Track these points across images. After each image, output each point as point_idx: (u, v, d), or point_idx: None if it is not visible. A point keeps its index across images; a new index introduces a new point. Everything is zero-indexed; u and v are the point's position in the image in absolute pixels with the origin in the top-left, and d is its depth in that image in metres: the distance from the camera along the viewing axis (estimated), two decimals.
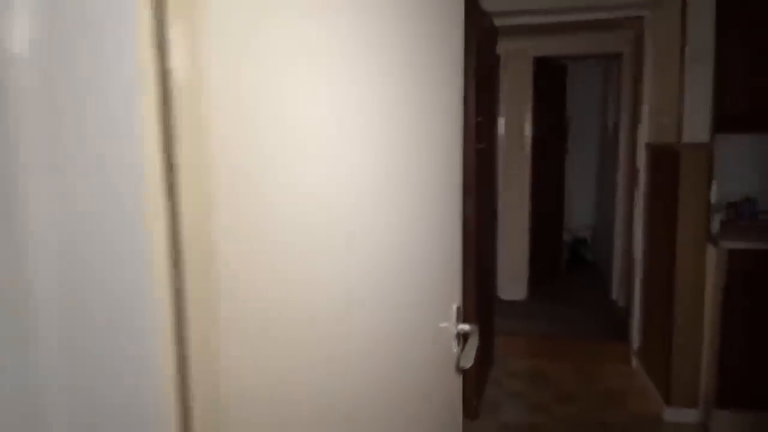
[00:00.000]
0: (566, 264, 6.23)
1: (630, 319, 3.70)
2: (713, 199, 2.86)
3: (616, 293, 5.10)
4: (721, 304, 2.73)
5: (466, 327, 1.16)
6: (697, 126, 2.82)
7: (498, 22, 3.51)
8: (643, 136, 3.55)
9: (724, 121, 2.85)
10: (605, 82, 5.99)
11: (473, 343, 1.14)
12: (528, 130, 5.10)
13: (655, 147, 3.33)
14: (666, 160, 3.10)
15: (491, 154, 3.43)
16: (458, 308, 1.19)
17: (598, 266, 6.24)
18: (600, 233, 6.23)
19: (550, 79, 5.36)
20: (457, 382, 1.23)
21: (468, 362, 1.14)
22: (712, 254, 2.85)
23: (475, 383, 3.04)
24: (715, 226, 2.91)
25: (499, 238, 5.23)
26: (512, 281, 5.26)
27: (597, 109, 6.35)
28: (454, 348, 1.16)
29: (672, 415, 2.95)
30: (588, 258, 6.55)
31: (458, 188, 1.27)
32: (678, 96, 2.87)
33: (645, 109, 3.53)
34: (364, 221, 0.76)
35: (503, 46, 5.03)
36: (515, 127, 5.12)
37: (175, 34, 0.41)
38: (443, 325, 1.11)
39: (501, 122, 5.14)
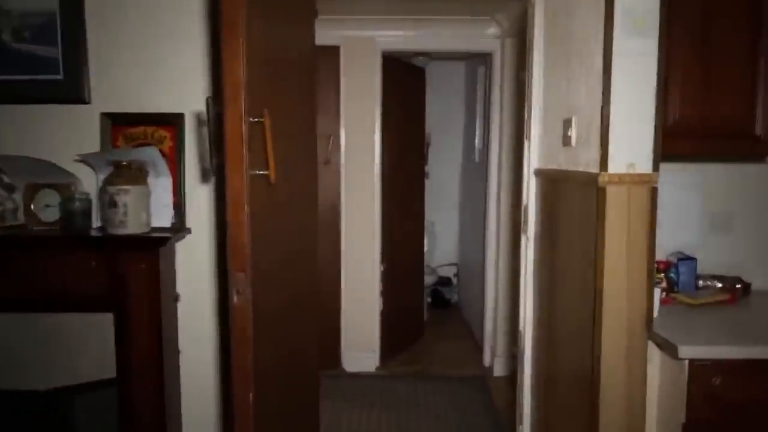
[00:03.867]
0: (428, 307, 5.08)
1: (519, 425, 2.52)
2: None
3: (489, 358, 3.99)
4: None
5: None
6: (634, 146, 1.67)
7: None
8: (532, 158, 2.40)
9: (670, 141, 1.75)
10: (471, 89, 4.96)
11: None
12: (377, 145, 3.85)
13: (555, 176, 2.18)
14: (574, 199, 1.95)
15: (296, 183, 2.04)
16: None
17: (462, 312, 5.16)
18: (466, 275, 5.16)
19: (404, 83, 4.18)
20: None
21: None
22: (655, 358, 1.72)
23: None
24: (655, 307, 1.79)
25: (343, 289, 3.90)
26: (359, 347, 3.95)
27: (462, 122, 5.32)
28: None
29: None
30: (452, 300, 5.47)
31: None
32: (602, 99, 1.71)
33: (534, 120, 2.39)
34: None
35: (341, 35, 3.76)
36: (360, 142, 3.84)
37: None
38: None
39: (341, 135, 3.83)
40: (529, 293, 2.44)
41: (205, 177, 1.58)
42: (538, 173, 2.36)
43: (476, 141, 4.58)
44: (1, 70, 1.81)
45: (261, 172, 1.50)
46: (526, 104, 2.47)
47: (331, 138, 3.78)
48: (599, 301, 1.71)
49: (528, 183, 2.43)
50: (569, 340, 2.00)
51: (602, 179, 1.69)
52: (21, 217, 1.83)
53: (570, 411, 1.99)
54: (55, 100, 1.84)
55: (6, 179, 1.80)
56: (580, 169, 1.88)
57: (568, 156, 2.02)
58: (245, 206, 1.45)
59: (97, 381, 1.81)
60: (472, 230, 4.77)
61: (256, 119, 1.45)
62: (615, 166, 1.68)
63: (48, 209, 1.82)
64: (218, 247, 1.71)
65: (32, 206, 1.83)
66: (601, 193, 1.70)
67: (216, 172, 1.53)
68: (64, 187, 1.81)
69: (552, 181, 2.22)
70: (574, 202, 1.96)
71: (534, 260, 2.41)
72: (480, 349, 4.14)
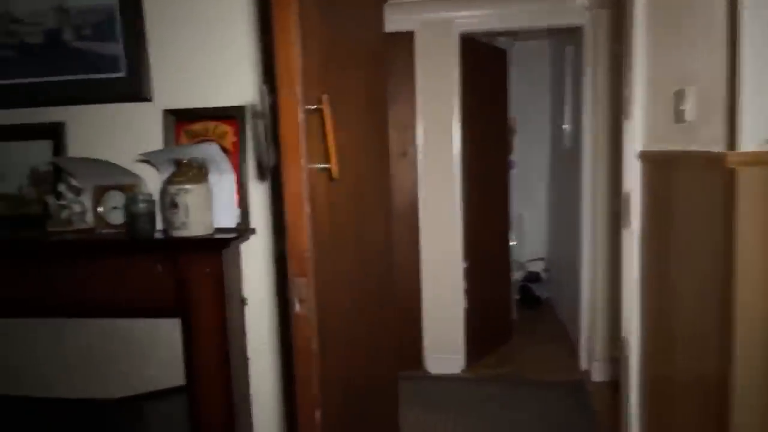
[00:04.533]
0: (516, 305, 4.78)
1: None
2: None
3: (585, 362, 3.65)
4: None
5: None
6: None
7: None
8: (634, 139, 2.09)
9: None
10: (557, 69, 4.59)
11: None
12: (456, 135, 3.61)
13: (665, 159, 1.87)
14: (693, 184, 1.64)
15: (365, 178, 1.86)
16: None
17: (556, 311, 4.82)
18: (558, 271, 4.81)
19: (485, 66, 3.91)
20: None
21: None
22: None
23: None
24: None
25: (424, 288, 3.72)
26: (443, 349, 3.74)
27: (549, 107, 4.96)
28: None
29: None
30: (542, 298, 5.13)
31: None
32: (728, 59, 1.41)
33: (636, 95, 2.07)
34: None
35: (416, 19, 3.55)
36: (438, 132, 3.62)
37: None
38: None
39: (418, 125, 3.63)
40: (634, 293, 2.13)
41: (261, 173, 1.45)
42: (643, 156, 2.05)
43: (566, 125, 4.22)
44: (64, 70, 1.77)
45: (322, 166, 1.35)
46: (624, 78, 2.16)
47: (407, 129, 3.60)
48: (731, 306, 1.41)
49: (630, 169, 2.12)
50: (691, 348, 1.69)
51: (731, 159, 1.39)
52: (89, 220, 1.80)
53: (693, 428, 1.69)
54: (118, 99, 1.78)
55: (73, 182, 1.77)
56: (700, 148, 1.57)
57: (683, 134, 1.70)
58: (305, 205, 1.29)
59: (168, 388, 1.74)
60: (563, 223, 4.42)
61: (314, 107, 1.30)
62: (747, 143, 1.37)
63: (115, 211, 1.78)
64: (279, 249, 1.58)
65: (100, 209, 1.79)
66: (729, 176, 1.39)
67: (273, 167, 1.40)
68: (129, 188, 1.75)
69: (661, 165, 1.90)
70: (693, 188, 1.65)
71: (639, 256, 2.10)
72: (576, 352, 3.80)
